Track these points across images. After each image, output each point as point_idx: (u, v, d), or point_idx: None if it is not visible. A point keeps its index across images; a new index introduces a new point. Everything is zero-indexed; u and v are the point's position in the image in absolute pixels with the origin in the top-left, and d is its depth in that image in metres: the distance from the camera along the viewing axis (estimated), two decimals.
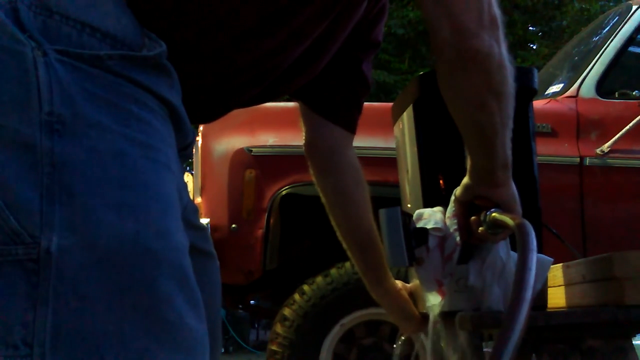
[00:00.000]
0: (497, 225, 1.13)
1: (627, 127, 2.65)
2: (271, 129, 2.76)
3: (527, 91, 1.42)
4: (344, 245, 1.35)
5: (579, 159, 2.70)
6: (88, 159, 0.69)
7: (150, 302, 0.70)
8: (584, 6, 11.00)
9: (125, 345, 0.68)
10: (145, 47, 0.78)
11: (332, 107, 1.21)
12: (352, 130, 1.24)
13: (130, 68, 0.75)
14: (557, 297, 1.41)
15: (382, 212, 1.22)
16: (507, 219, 1.08)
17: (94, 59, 0.72)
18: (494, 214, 1.13)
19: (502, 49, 1.00)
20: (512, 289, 0.86)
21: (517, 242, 0.97)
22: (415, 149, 1.42)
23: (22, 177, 0.67)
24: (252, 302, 4.08)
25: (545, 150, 2.58)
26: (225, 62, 0.90)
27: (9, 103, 0.68)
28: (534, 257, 0.90)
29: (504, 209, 1.14)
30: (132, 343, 0.68)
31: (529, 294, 0.83)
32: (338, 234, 1.34)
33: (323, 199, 1.31)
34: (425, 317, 1.34)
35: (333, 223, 1.33)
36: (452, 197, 1.23)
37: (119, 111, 0.73)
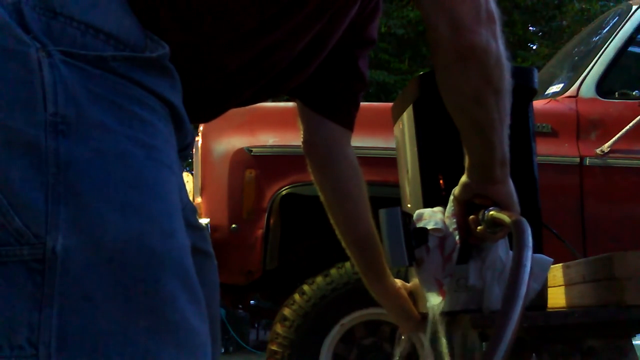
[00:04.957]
0: (496, 223, 1.13)
1: (627, 127, 2.65)
2: (271, 129, 2.76)
3: (527, 91, 1.42)
4: (343, 244, 1.35)
5: (579, 159, 2.70)
6: (93, 159, 0.69)
7: (154, 302, 0.70)
8: (584, 6, 11.00)
9: (130, 345, 0.68)
10: (147, 49, 0.78)
11: (329, 105, 1.21)
12: (349, 127, 1.24)
13: (133, 69, 0.75)
14: (557, 297, 1.41)
15: (382, 212, 1.22)
16: (504, 217, 1.09)
17: (98, 60, 0.73)
18: (491, 212, 1.13)
19: (500, 45, 1.00)
20: (506, 285, 0.86)
21: (513, 239, 0.97)
22: (415, 149, 1.42)
23: (27, 177, 0.67)
24: (252, 302, 4.08)
25: (545, 150, 2.58)
26: (224, 62, 0.91)
27: (13, 104, 0.68)
28: (529, 253, 0.91)
29: (502, 207, 1.14)
30: (136, 343, 0.68)
31: (523, 291, 0.83)
32: (337, 232, 1.34)
33: (322, 197, 1.31)
34: (425, 316, 1.34)
35: (332, 221, 1.33)
36: (451, 197, 1.23)
37: (123, 112, 0.73)
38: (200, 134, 2.76)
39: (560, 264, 1.41)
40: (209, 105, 0.98)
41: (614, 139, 2.67)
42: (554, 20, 11.81)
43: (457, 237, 1.22)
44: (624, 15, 2.94)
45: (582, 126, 2.76)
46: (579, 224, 2.67)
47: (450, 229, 1.23)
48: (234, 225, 2.64)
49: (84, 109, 0.70)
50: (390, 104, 1.67)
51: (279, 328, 2.60)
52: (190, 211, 0.98)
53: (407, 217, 1.25)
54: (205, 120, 1.06)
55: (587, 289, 1.29)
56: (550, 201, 2.29)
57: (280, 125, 2.75)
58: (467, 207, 1.20)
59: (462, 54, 0.98)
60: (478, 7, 0.96)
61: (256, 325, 13.27)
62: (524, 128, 1.41)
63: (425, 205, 1.33)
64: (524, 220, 1.01)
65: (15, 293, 0.66)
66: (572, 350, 1.28)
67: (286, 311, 2.60)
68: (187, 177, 3.04)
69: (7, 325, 0.66)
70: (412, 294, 1.43)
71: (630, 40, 2.87)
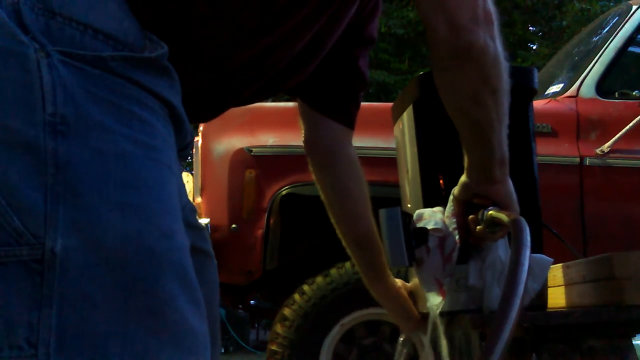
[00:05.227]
0: (495, 223, 1.14)
1: (627, 127, 2.66)
2: (271, 129, 2.77)
3: (527, 91, 1.42)
4: (343, 243, 1.35)
5: (579, 159, 2.70)
6: (92, 159, 0.69)
7: (154, 302, 0.70)
8: (584, 6, 10.99)
9: (129, 346, 0.68)
10: (146, 49, 0.78)
11: (330, 104, 1.21)
12: (350, 126, 1.24)
13: (132, 69, 0.75)
14: (557, 297, 1.41)
15: (382, 212, 1.22)
16: (502, 216, 1.09)
17: (97, 60, 0.73)
18: (490, 212, 1.13)
19: (497, 45, 1.01)
20: (504, 284, 0.86)
21: (512, 238, 0.97)
22: (415, 149, 1.42)
23: (26, 177, 0.67)
24: (252, 302, 4.08)
25: (545, 150, 2.58)
26: (224, 62, 0.91)
27: (12, 104, 0.68)
28: (527, 252, 0.91)
29: (501, 206, 1.14)
30: (136, 343, 0.68)
31: (520, 290, 0.83)
32: (337, 231, 1.34)
33: (322, 196, 1.32)
34: (425, 316, 1.34)
35: (332, 220, 1.33)
36: (451, 197, 1.23)
37: (122, 112, 0.73)
38: (200, 134, 2.76)
39: (560, 264, 1.41)
40: (208, 105, 0.98)
41: (614, 139, 2.67)
42: (554, 20, 11.81)
43: (457, 237, 1.22)
44: (624, 15, 2.94)
45: (582, 126, 2.77)
46: (579, 224, 2.67)
47: (450, 229, 1.23)
48: (234, 225, 2.64)
49: (83, 109, 0.70)
50: (390, 104, 1.67)
51: (279, 328, 2.60)
52: (190, 211, 0.98)
53: (407, 217, 1.25)
54: (205, 120, 1.06)
55: (587, 289, 1.29)
56: (550, 201, 2.29)
57: (280, 125, 2.75)
58: (466, 207, 1.20)
59: (460, 53, 0.98)
60: (475, 7, 0.96)
61: (256, 325, 13.27)
62: (524, 128, 1.41)
63: (425, 205, 1.33)
64: (522, 219, 1.01)
65: (15, 293, 0.66)
66: (572, 350, 1.28)
67: (286, 311, 2.60)
68: (187, 177, 3.04)
69: (6, 325, 0.66)
70: (412, 294, 1.43)
71: (630, 40, 2.87)
